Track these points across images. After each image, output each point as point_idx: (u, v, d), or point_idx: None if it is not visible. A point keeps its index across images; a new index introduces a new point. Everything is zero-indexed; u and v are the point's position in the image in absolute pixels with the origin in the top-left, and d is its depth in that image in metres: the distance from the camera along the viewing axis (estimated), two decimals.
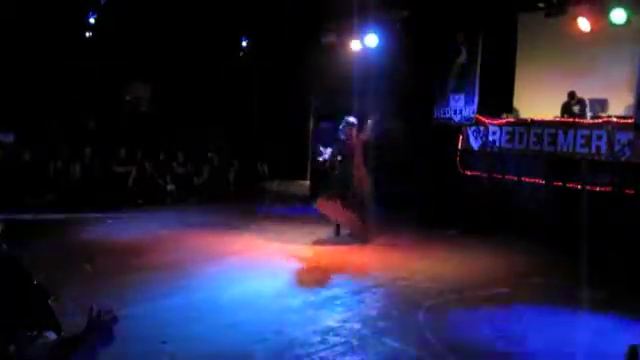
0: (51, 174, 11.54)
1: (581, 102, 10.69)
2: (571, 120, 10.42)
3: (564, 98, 10.90)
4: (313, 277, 7.09)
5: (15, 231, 3.45)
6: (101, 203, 11.28)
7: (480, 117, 11.85)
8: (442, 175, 11.82)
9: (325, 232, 9.47)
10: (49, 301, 3.05)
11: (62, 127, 12.71)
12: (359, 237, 9.03)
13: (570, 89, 10.80)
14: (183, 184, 12.79)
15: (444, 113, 12.87)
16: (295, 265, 7.63)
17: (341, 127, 9.21)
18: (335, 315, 5.66)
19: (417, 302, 6.10)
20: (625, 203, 9.09)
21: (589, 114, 10.59)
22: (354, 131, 9.14)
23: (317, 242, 9.06)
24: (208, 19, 14.00)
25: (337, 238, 9.25)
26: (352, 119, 9.30)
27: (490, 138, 11.54)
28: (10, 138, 11.80)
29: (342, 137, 9.15)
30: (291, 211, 11.80)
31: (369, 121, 9.24)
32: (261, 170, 15.03)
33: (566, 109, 10.81)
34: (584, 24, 10.44)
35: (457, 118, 12.55)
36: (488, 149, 11.54)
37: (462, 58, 12.46)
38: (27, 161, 11.33)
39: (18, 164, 11.11)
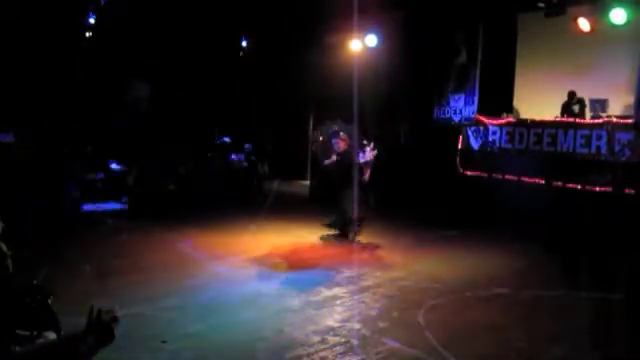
0: (51, 174, 11.51)
1: (581, 102, 10.71)
2: (571, 120, 10.43)
3: (564, 98, 10.91)
4: (313, 277, 7.09)
5: (15, 231, 3.44)
6: (101, 202, 11.29)
7: (480, 117, 11.86)
8: (442, 175, 11.82)
9: (325, 233, 9.47)
10: (49, 301, 3.05)
11: (62, 127, 12.71)
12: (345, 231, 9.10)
13: (570, 89, 10.80)
14: (183, 184, 12.78)
15: (444, 113, 12.88)
16: (295, 265, 7.63)
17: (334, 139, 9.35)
18: (335, 315, 5.66)
19: (417, 302, 6.10)
20: (625, 203, 9.10)
21: (589, 114, 10.60)
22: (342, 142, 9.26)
23: (317, 242, 9.06)
24: (208, 19, 14.00)
25: (337, 238, 9.24)
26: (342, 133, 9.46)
27: (490, 138, 11.55)
28: (10, 138, 11.79)
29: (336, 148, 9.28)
30: (291, 211, 11.79)
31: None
32: (261, 170, 15.02)
33: (566, 109, 10.82)
34: (584, 24, 10.45)
35: (457, 118, 12.57)
36: (488, 149, 11.55)
37: (462, 58, 12.48)
38: (27, 161, 11.30)
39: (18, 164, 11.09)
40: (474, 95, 12.27)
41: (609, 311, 6.09)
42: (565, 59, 11.26)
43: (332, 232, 9.33)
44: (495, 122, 11.52)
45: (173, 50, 14.21)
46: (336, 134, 9.41)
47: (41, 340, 2.81)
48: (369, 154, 9.36)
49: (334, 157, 9.14)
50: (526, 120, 11.17)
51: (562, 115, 10.82)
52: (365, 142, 9.55)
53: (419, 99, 12.99)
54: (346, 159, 9.08)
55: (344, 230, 9.09)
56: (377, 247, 8.82)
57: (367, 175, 9.35)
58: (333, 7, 12.18)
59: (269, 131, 16.08)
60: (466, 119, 12.32)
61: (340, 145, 9.12)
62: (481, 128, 11.75)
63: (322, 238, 9.21)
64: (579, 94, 10.75)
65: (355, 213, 8.99)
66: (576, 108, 10.69)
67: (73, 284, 5.96)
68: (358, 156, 9.26)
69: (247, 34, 16.01)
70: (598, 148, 9.81)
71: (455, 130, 12.29)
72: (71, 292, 5.45)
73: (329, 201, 9.75)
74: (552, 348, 5.03)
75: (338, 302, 6.08)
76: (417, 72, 12.70)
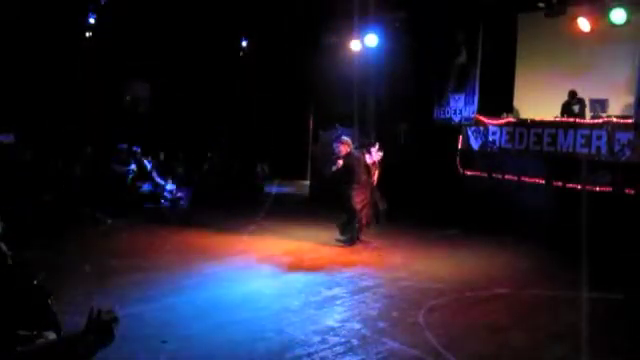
0: (51, 174, 11.53)
1: (581, 102, 10.69)
2: (571, 120, 10.42)
3: (564, 98, 10.90)
4: (313, 277, 7.09)
5: (15, 231, 3.44)
6: (101, 202, 11.28)
7: (480, 117, 11.85)
8: (442, 175, 11.81)
9: (325, 233, 9.47)
10: (49, 301, 3.05)
11: (62, 127, 12.72)
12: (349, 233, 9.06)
13: (570, 89, 10.79)
14: (183, 183, 12.78)
15: (444, 113, 12.87)
16: (295, 265, 7.63)
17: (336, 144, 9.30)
18: (335, 315, 5.66)
19: (417, 302, 6.10)
20: (625, 203, 9.09)
21: (589, 114, 10.59)
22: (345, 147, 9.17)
23: (317, 242, 9.06)
24: (208, 19, 14.01)
25: (337, 238, 9.23)
26: (344, 137, 9.39)
27: (490, 138, 11.54)
28: (10, 139, 11.80)
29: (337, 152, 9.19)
30: (291, 211, 11.80)
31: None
32: (261, 170, 15.03)
33: (566, 108, 10.79)
34: (584, 24, 10.44)
35: (457, 118, 12.56)
36: (488, 149, 11.53)
37: (462, 58, 12.47)
38: (27, 161, 11.32)
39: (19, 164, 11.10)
40: (474, 95, 12.26)
41: (609, 311, 6.09)
42: (565, 59, 11.25)
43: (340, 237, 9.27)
44: (495, 122, 11.51)
45: (173, 50, 14.22)
46: (338, 138, 9.39)
47: (41, 340, 2.81)
48: (376, 155, 9.31)
49: (340, 162, 9.09)
50: (526, 120, 11.15)
51: (562, 115, 10.80)
52: (369, 142, 9.48)
53: (419, 99, 12.97)
54: (350, 163, 9.03)
55: (353, 238, 9.03)
56: (377, 247, 8.82)
57: (375, 177, 9.29)
58: (333, 7, 12.19)
59: (269, 131, 16.09)
60: (466, 119, 12.30)
61: (341, 149, 9.07)
62: (481, 128, 11.73)
63: (322, 238, 9.20)
64: (579, 94, 10.74)
65: (363, 219, 8.97)
66: (576, 108, 10.66)
67: (73, 284, 5.97)
68: (366, 157, 9.22)
69: (247, 34, 16.02)
70: (598, 148, 9.79)
71: (455, 130, 12.27)
72: (71, 292, 5.46)
73: (329, 201, 9.74)
74: (552, 348, 5.03)
75: (338, 302, 6.08)
76: (417, 72, 12.69)
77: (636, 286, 6.96)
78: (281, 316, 5.56)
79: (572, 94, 10.71)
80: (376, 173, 9.33)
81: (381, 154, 9.36)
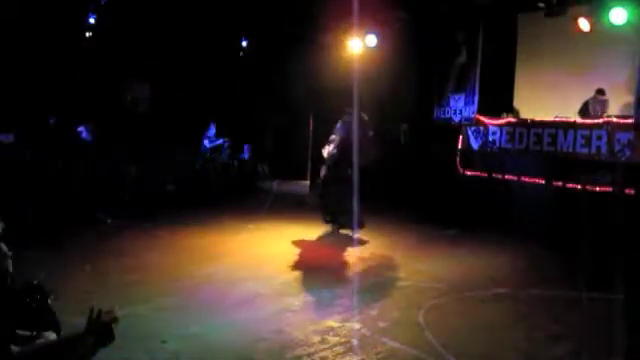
0: (51, 174, 11.53)
1: (602, 103, 10.56)
2: (571, 120, 10.42)
3: (564, 98, 10.88)
4: (313, 277, 7.09)
5: (15, 231, 3.44)
6: (101, 203, 11.28)
7: (480, 117, 11.86)
8: (442, 175, 11.82)
9: (325, 232, 9.48)
10: (49, 301, 3.05)
11: (62, 127, 12.72)
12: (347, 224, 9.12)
13: (569, 89, 10.78)
14: (182, 184, 12.79)
15: (444, 113, 12.87)
16: (295, 265, 7.63)
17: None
18: (335, 315, 5.65)
19: (417, 302, 6.10)
20: (625, 203, 9.09)
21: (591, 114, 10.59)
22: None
23: (317, 242, 9.07)
24: (208, 19, 14.01)
25: (337, 238, 9.24)
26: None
27: (490, 138, 11.54)
28: (10, 138, 11.80)
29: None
30: (291, 211, 11.79)
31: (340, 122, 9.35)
32: (261, 170, 15.03)
33: (585, 109, 10.62)
34: (584, 24, 10.44)
35: (457, 118, 12.56)
36: (488, 149, 11.54)
37: (462, 58, 12.47)
38: (27, 161, 11.32)
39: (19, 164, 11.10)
40: (474, 95, 12.26)
41: (609, 311, 6.09)
42: (565, 59, 11.25)
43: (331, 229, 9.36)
44: (495, 122, 11.51)
45: (173, 50, 14.22)
46: (349, 122, 9.33)
47: (41, 340, 2.81)
48: (326, 150, 9.26)
49: (329, 147, 9.20)
50: (526, 120, 11.16)
51: (581, 109, 10.68)
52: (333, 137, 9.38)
53: (419, 99, 12.98)
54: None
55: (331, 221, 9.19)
56: (377, 247, 8.82)
57: (322, 172, 9.27)
58: (333, 7, 12.17)
59: (269, 131, 16.09)
60: (466, 119, 12.31)
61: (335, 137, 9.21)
62: (481, 128, 11.74)
63: (321, 238, 9.23)
64: (579, 94, 10.70)
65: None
66: (598, 110, 10.54)
67: (73, 284, 5.97)
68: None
69: (247, 34, 16.01)
70: (598, 148, 9.80)
71: (455, 130, 12.28)
72: (71, 292, 5.46)
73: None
74: (552, 348, 5.03)
75: (338, 302, 6.08)
76: (417, 72, 12.70)
77: (636, 286, 6.95)
78: (281, 316, 5.56)
79: (599, 91, 10.51)
80: (323, 168, 9.27)
81: (329, 151, 9.20)
